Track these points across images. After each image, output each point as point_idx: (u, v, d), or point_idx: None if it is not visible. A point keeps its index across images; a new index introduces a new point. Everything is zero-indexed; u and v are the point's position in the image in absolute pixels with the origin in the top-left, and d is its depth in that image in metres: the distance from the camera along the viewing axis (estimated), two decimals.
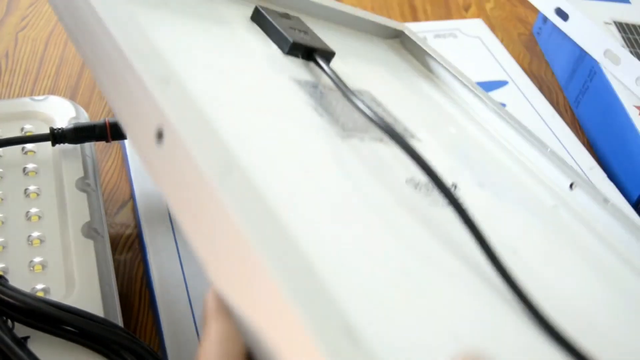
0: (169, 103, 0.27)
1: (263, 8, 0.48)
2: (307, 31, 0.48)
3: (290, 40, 0.44)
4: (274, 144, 0.34)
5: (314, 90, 0.43)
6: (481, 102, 0.53)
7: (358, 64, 0.52)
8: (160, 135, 0.27)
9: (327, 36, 0.51)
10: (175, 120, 0.27)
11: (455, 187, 0.41)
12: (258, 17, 0.48)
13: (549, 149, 0.48)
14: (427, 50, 0.57)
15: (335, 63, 0.48)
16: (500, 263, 0.33)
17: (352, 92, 0.40)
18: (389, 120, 0.44)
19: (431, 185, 0.39)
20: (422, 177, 0.39)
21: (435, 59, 0.56)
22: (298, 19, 0.50)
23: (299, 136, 0.37)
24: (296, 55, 0.45)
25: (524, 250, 0.38)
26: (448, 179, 0.40)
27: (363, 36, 0.58)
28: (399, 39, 0.60)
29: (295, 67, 0.44)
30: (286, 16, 0.48)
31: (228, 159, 0.26)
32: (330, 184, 0.34)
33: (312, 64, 0.46)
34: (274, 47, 0.45)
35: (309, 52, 0.45)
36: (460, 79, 0.54)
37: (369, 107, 0.38)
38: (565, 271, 0.39)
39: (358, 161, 0.38)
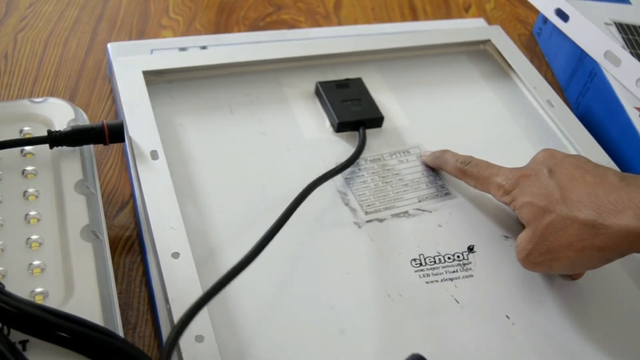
0: None
1: (322, 84, 0.53)
2: (362, 97, 0.52)
3: (337, 120, 0.50)
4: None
5: (354, 169, 0.48)
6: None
7: (429, 99, 0.56)
8: None
9: (403, 75, 0.57)
10: None
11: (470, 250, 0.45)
12: (318, 93, 0.53)
13: None
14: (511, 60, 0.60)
15: (405, 105, 0.54)
16: None
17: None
18: None
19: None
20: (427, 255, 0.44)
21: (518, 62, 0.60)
22: (359, 80, 0.54)
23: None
24: (345, 131, 0.51)
25: None
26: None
27: (443, 57, 0.61)
28: (483, 45, 0.63)
29: (344, 142, 0.50)
30: (345, 84, 0.53)
31: None
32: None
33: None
34: (327, 125, 0.51)
35: (357, 125, 0.51)
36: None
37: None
38: None
39: (368, 248, 0.44)
